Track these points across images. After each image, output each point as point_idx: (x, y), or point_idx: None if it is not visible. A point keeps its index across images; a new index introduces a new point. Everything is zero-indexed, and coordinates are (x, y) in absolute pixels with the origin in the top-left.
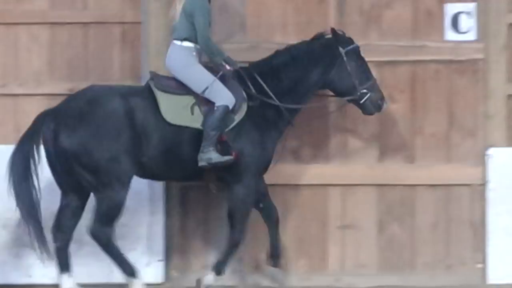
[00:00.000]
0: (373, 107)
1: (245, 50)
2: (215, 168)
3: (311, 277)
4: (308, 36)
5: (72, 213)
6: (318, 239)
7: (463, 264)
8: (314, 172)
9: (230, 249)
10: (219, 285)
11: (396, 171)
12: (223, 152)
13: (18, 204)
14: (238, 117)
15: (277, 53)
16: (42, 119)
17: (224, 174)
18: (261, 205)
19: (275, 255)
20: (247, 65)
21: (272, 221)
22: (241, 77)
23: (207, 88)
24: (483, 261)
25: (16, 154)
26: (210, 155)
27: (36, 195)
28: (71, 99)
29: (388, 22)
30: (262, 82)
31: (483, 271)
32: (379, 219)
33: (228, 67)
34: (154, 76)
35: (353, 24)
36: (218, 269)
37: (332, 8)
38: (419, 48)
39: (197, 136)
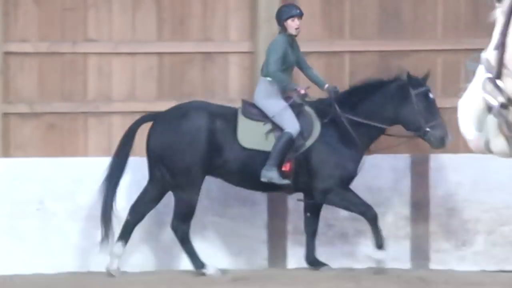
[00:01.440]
0: (437, 142)
1: None
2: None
3: None
4: None
5: (148, 199)
6: None
7: None
8: None
9: (373, 224)
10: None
11: None
12: (285, 175)
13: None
14: (309, 142)
15: (355, 87)
16: (139, 121)
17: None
18: (308, 214)
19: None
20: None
21: (310, 233)
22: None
23: (275, 114)
24: None
25: (116, 152)
26: (272, 175)
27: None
28: (173, 108)
29: None
30: (339, 110)
31: None
32: None
33: (302, 91)
34: (245, 103)
35: None
36: (378, 244)
37: None
38: None
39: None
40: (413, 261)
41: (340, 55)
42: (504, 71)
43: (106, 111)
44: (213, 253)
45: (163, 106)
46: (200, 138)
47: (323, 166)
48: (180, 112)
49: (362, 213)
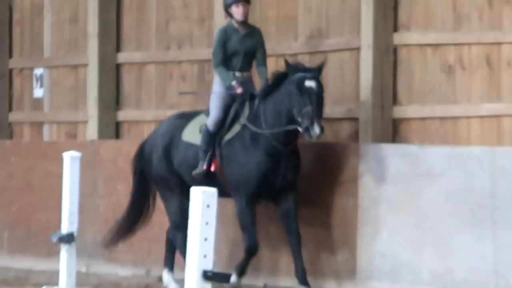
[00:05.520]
0: (305, 134)
1: None
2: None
3: None
4: None
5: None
6: None
7: None
8: None
9: (245, 254)
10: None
11: None
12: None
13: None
14: (228, 137)
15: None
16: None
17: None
18: (283, 227)
19: (299, 274)
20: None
21: (293, 249)
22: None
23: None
24: None
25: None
26: (195, 169)
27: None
28: None
29: None
30: (247, 109)
31: None
32: None
33: (239, 90)
34: None
35: None
36: (239, 271)
37: None
38: None
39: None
40: None
41: None
42: None
43: None
44: None
45: None
46: (161, 141)
47: (227, 168)
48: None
49: (244, 239)
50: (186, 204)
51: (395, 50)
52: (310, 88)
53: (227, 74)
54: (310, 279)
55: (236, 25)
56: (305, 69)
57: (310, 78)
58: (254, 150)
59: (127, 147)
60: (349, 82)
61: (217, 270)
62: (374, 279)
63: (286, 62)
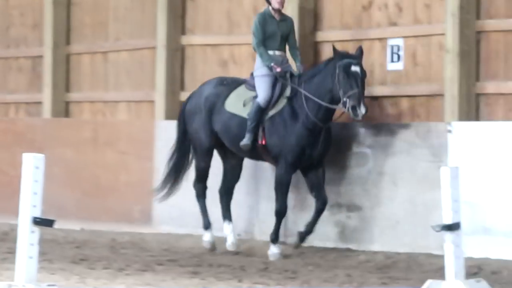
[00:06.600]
0: (352, 113)
1: None
2: (260, 151)
3: None
4: None
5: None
6: None
7: None
8: None
9: (276, 219)
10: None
11: None
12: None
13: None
14: (271, 113)
15: (314, 67)
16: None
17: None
18: (312, 193)
19: (303, 233)
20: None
21: (316, 210)
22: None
23: (255, 83)
24: None
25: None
26: (244, 141)
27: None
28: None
29: None
30: (297, 86)
31: None
32: None
33: (278, 69)
34: (251, 75)
35: None
36: (272, 238)
37: None
38: None
39: (243, 123)
40: None
41: None
42: None
43: None
44: None
45: None
46: (201, 104)
47: (271, 137)
48: (203, 83)
49: (276, 202)
50: (205, 165)
51: (183, 49)
52: (356, 73)
53: (267, 54)
54: (119, 225)
55: (272, 12)
56: (349, 56)
57: (356, 64)
58: (295, 125)
59: None
60: (148, 74)
61: (43, 217)
62: (165, 224)
63: (334, 48)
